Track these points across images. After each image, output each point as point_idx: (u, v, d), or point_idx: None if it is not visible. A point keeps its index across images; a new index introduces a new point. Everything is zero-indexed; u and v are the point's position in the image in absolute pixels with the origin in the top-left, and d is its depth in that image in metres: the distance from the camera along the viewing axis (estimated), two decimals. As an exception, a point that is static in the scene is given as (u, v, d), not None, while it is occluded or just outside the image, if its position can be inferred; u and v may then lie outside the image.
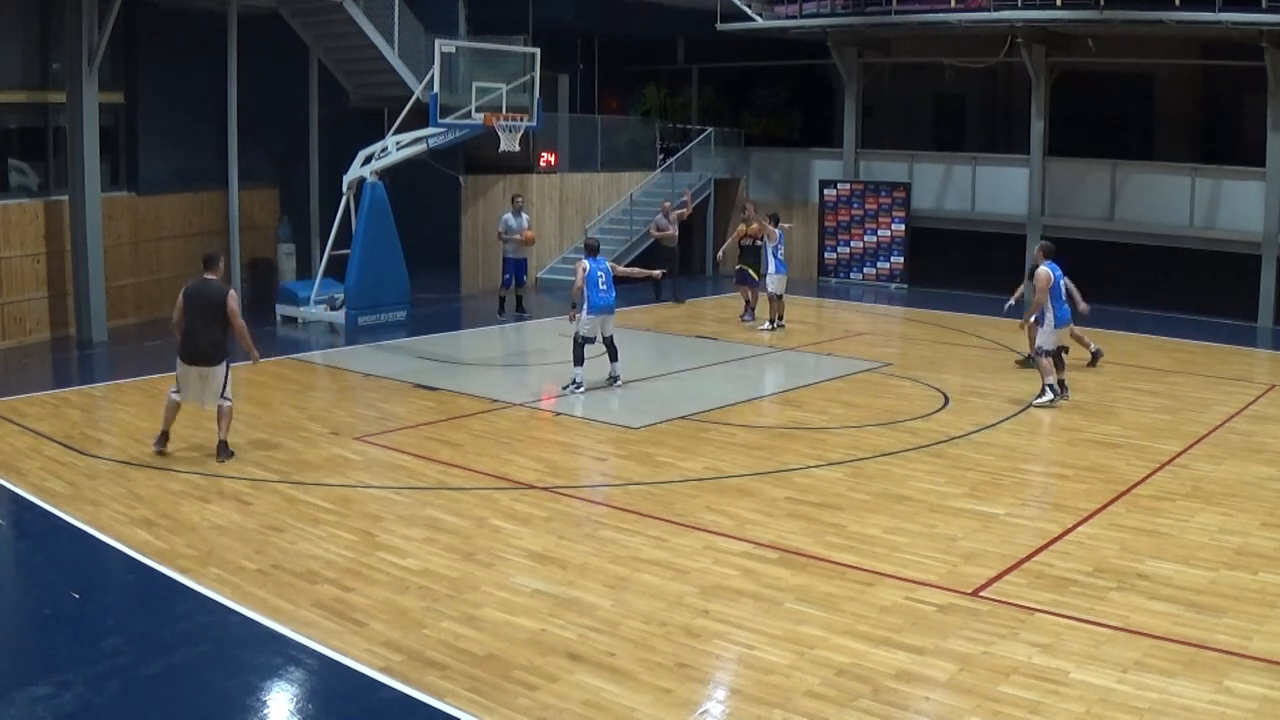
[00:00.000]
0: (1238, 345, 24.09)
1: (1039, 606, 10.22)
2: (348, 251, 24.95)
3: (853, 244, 34.29)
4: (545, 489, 13.64)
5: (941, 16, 30.69)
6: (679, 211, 29.63)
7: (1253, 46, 26.85)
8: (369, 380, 20.06)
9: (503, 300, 26.90)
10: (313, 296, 25.38)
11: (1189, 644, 9.42)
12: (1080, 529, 12.42)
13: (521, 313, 26.72)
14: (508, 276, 26.76)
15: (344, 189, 25.23)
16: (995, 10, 29.42)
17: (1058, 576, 10.99)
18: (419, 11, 27.91)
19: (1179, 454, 15.51)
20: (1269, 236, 27.11)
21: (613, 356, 19.21)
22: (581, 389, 18.55)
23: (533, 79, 25.03)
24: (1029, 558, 11.52)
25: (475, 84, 24.22)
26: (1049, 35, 30.00)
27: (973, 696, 8.50)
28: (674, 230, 29.05)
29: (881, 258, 33.89)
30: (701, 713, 8.45)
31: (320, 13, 26.36)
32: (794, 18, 33.57)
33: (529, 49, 25.75)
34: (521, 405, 18.08)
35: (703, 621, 9.85)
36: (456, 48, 25.01)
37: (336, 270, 25.41)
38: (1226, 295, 27.26)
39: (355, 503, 13.05)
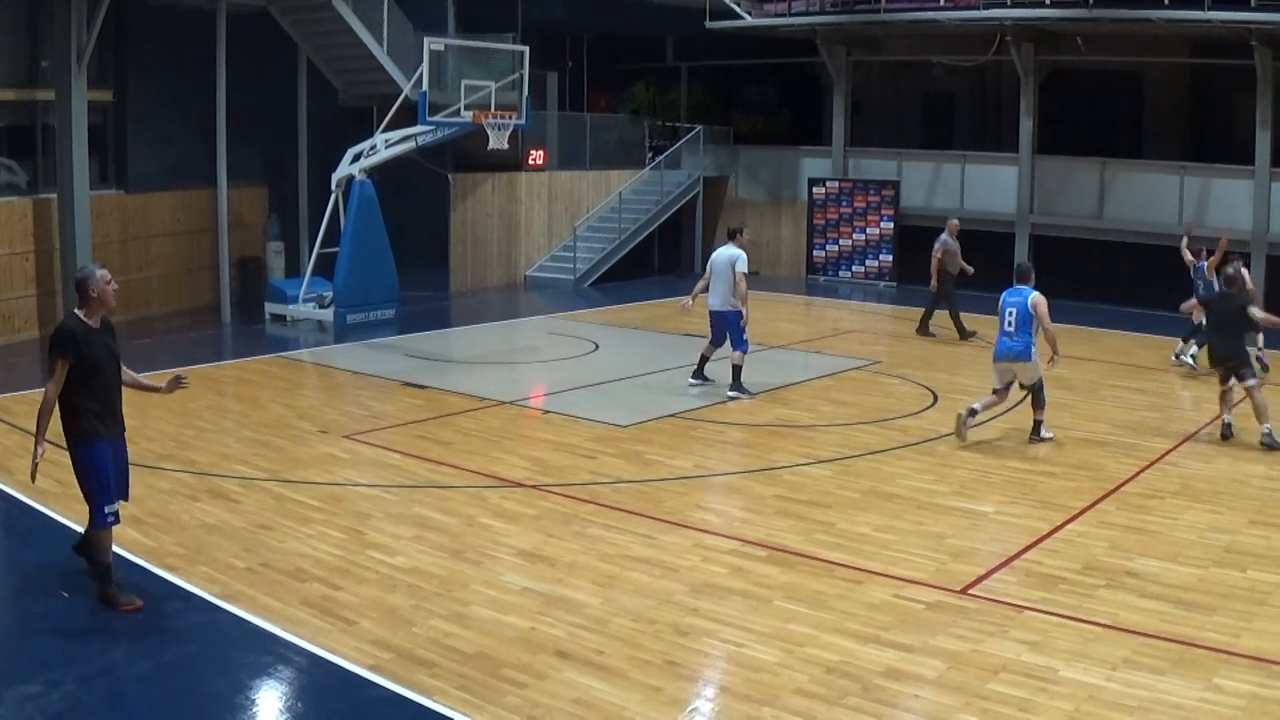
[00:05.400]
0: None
1: (1028, 604, 10.23)
2: (336, 249, 24.95)
3: (841, 242, 34.31)
4: (534, 487, 13.64)
5: (930, 15, 30.77)
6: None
7: (1241, 45, 26.92)
8: (358, 378, 20.05)
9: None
10: (301, 294, 25.37)
11: (1178, 641, 9.44)
12: (1069, 527, 12.44)
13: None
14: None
15: (333, 187, 25.24)
16: (984, 9, 29.47)
17: (1047, 574, 11.01)
18: (408, 9, 27.86)
19: (1168, 451, 15.55)
20: (1258, 235, 27.18)
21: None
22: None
23: (521, 77, 25.08)
24: (1018, 555, 11.54)
25: (464, 82, 24.27)
26: (1038, 34, 30.07)
27: (962, 694, 8.51)
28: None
29: (870, 255, 33.91)
30: (691, 710, 8.45)
31: (309, 10, 26.31)
32: (783, 16, 33.62)
33: (518, 47, 25.82)
34: (511, 404, 18.06)
35: (691, 619, 9.85)
36: (445, 46, 25.03)
37: (325, 268, 25.39)
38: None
39: (344, 501, 13.03)
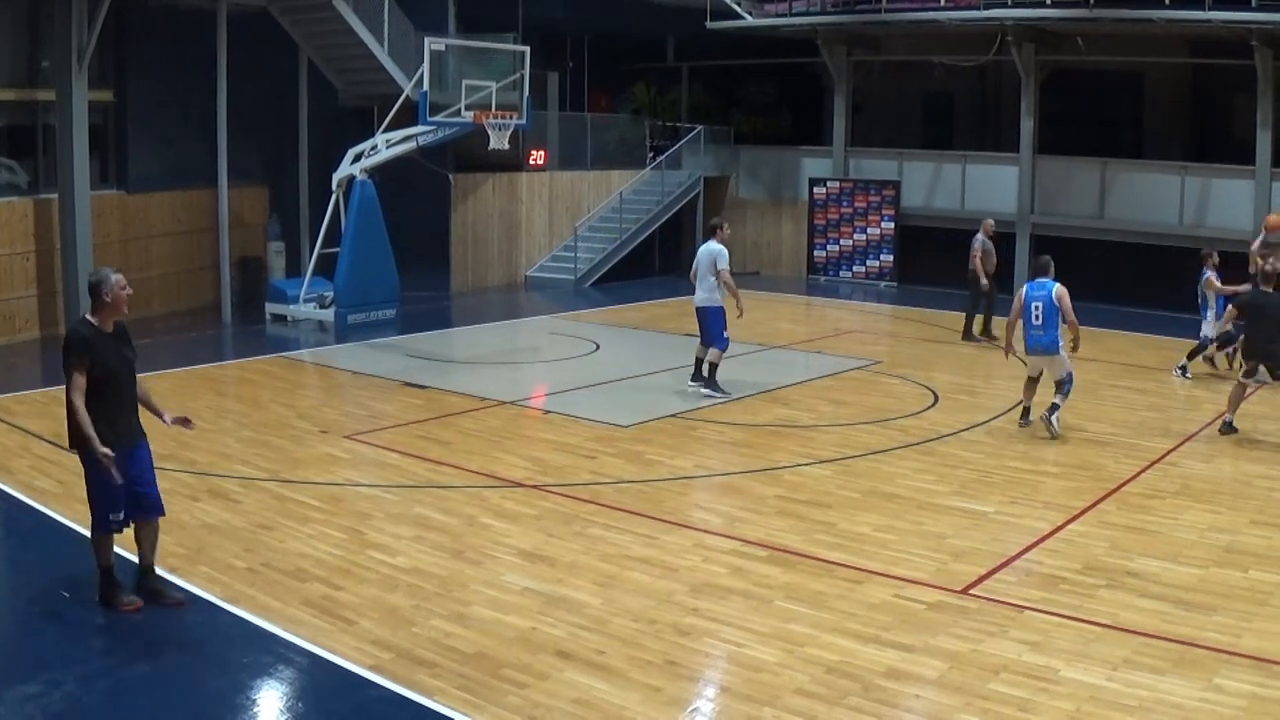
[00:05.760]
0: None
1: (1028, 604, 10.23)
2: (337, 250, 24.96)
3: (842, 242, 34.31)
4: (534, 487, 13.63)
5: (931, 15, 30.76)
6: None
7: (1242, 45, 26.92)
8: (358, 378, 20.05)
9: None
10: (302, 294, 25.37)
11: (1178, 641, 9.44)
12: (1070, 527, 12.44)
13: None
14: None
15: (333, 187, 25.24)
16: (985, 9, 29.48)
17: (1047, 574, 11.01)
18: (408, 9, 27.86)
19: (1168, 452, 15.53)
20: (1258, 235, 27.16)
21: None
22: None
23: (522, 77, 25.09)
24: (1018, 555, 11.54)
25: (465, 82, 24.27)
26: (1039, 34, 30.06)
27: (962, 694, 8.51)
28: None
29: (871, 256, 33.90)
30: (691, 710, 8.45)
31: (310, 10, 26.31)
32: (784, 16, 33.63)
33: (519, 47, 25.83)
34: (512, 404, 18.06)
35: (692, 619, 9.85)
36: (446, 46, 25.03)
37: (326, 268, 25.40)
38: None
39: (345, 501, 13.03)
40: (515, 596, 10.33)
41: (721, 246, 18.15)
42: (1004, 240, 29.86)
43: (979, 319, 24.00)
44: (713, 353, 18.33)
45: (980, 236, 23.78)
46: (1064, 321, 16.08)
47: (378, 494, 13.37)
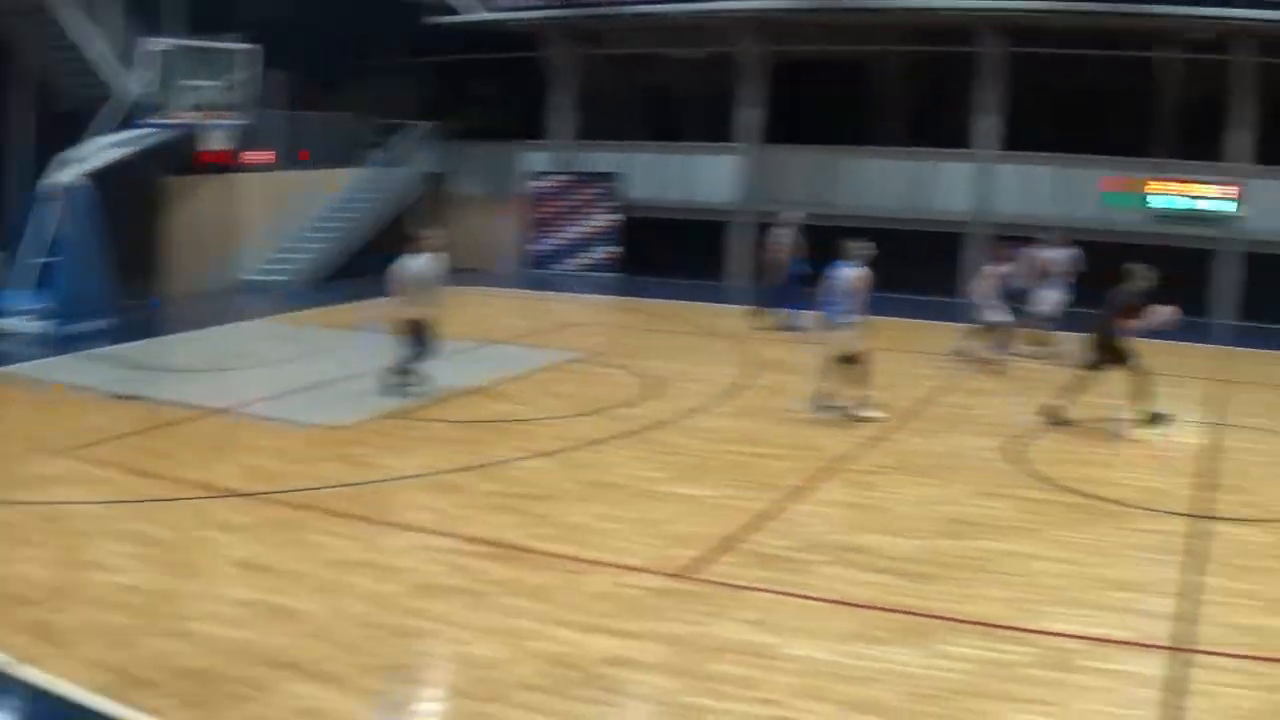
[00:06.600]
0: (952, 322, 24.58)
1: (750, 585, 10.39)
2: (49, 259, 24.14)
3: (563, 234, 34.50)
4: (252, 495, 13.32)
5: (654, 9, 31.09)
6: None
7: (966, 32, 27.82)
8: (71, 392, 19.32)
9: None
10: (12, 306, 24.45)
11: (903, 612, 9.73)
12: (791, 506, 12.69)
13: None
14: None
15: (45, 194, 24.39)
16: (709, 1, 29.93)
17: (769, 554, 11.21)
18: (128, 9, 27.10)
19: (890, 430, 15.92)
20: (978, 215, 28.15)
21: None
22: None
23: (244, 76, 24.63)
24: (739, 537, 11.72)
25: (185, 82, 23.77)
26: (764, 25, 30.59)
27: (686, 677, 8.61)
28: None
29: (593, 247, 34.11)
30: (418, 713, 8.37)
31: (26, 14, 25.45)
32: (505, 11, 33.66)
33: (241, 46, 25.36)
34: (227, 411, 17.64)
35: (415, 621, 9.75)
36: (166, 46, 24.44)
37: (37, 279, 24.51)
38: (936, 272, 28.23)
39: (60, 520, 12.53)
40: (236, 609, 10.06)
41: (414, 259, 17.98)
42: (719, 230, 30.52)
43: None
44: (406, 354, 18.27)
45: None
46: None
47: (95, 510, 12.90)
